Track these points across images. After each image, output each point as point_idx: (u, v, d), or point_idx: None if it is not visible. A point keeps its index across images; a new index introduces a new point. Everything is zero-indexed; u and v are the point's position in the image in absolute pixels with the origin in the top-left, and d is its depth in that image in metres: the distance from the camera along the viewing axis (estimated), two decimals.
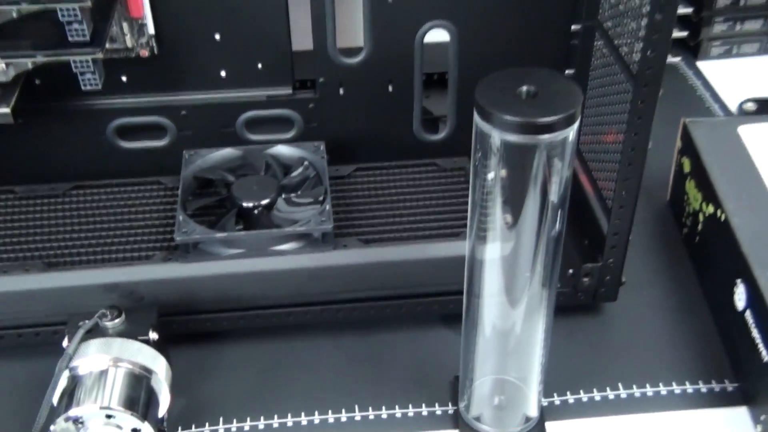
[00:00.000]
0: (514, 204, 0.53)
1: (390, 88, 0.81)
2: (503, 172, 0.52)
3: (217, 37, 0.77)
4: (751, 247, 0.68)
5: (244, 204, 0.75)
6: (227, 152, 0.80)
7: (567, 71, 0.80)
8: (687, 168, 0.80)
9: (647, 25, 0.59)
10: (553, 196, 0.53)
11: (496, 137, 0.50)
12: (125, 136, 0.82)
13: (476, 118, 0.50)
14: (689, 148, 0.79)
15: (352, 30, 0.80)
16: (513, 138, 0.49)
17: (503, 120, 0.49)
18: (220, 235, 0.71)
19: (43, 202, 0.81)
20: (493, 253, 0.57)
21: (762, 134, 0.78)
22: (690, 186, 0.79)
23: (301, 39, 0.79)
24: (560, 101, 0.49)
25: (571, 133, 0.50)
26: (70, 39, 0.64)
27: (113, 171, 0.82)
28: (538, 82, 0.50)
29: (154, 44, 0.76)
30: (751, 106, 0.95)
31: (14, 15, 0.67)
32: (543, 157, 0.50)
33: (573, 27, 0.78)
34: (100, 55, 0.65)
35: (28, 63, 0.67)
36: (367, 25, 0.76)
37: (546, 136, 0.49)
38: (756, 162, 0.76)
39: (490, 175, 0.52)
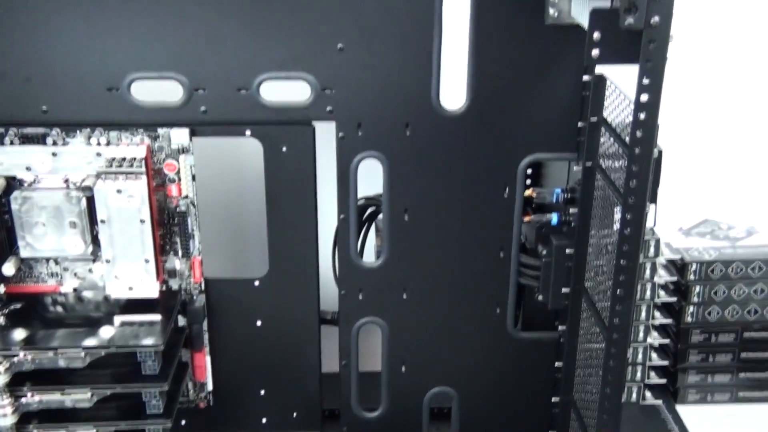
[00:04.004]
0: None
1: None
2: None
3: (262, 392, 0.95)
4: None
5: None
6: None
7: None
8: None
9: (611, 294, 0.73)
10: None
11: None
12: None
13: None
14: None
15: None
16: None
17: None
18: None
19: None
20: None
21: None
22: None
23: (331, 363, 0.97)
24: None
25: None
26: (143, 372, 0.82)
27: None
28: None
29: (211, 398, 0.94)
30: None
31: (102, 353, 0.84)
32: None
33: None
34: (165, 388, 0.82)
35: (107, 392, 0.83)
36: (384, 389, 0.94)
37: None
38: None
39: None
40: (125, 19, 0.79)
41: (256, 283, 0.90)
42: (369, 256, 0.95)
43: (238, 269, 0.99)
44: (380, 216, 0.95)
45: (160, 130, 0.83)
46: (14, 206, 0.82)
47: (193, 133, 0.84)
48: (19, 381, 0.81)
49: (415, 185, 0.86)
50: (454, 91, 0.85)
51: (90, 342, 0.82)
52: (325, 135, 0.86)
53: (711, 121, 1.16)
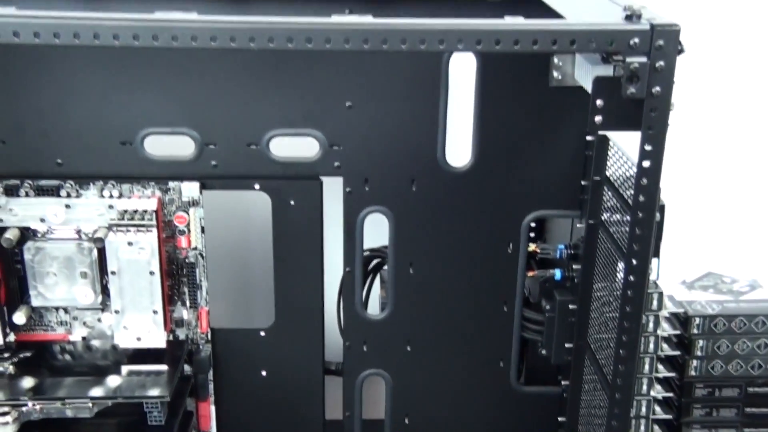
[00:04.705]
0: None
1: None
2: None
3: None
4: None
5: None
6: None
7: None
8: None
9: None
10: None
11: None
12: None
13: None
14: None
15: None
16: None
17: None
18: None
19: None
20: None
21: None
22: None
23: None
24: None
25: None
26: (149, 422, 0.83)
27: None
28: None
29: None
30: None
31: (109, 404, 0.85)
32: None
33: None
34: None
35: None
36: None
37: None
38: None
39: None
40: (140, 77, 0.82)
41: (262, 333, 0.91)
42: (373, 307, 0.96)
43: (244, 319, 1.00)
44: (385, 267, 0.97)
45: (171, 184, 0.85)
46: (27, 256, 0.83)
47: (203, 187, 0.85)
48: (26, 431, 0.82)
49: (421, 239, 0.88)
50: (459, 147, 0.87)
51: (97, 392, 0.83)
52: (332, 188, 0.88)
53: (713, 174, 1.17)
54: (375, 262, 0.98)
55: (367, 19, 0.65)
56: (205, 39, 0.63)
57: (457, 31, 0.64)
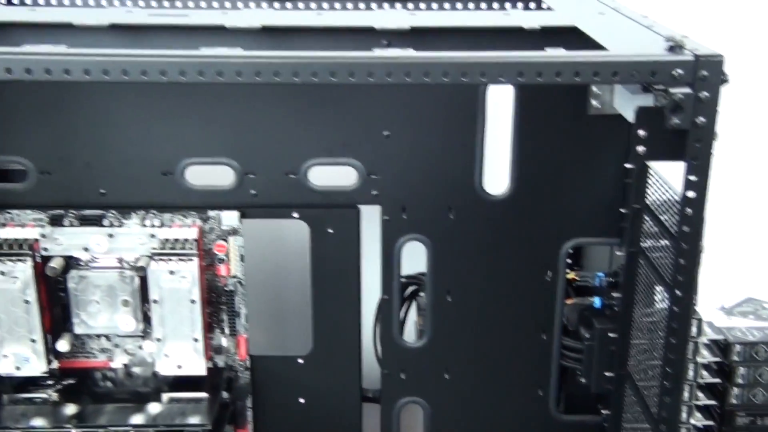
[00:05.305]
0: None
1: None
2: None
3: None
4: None
5: None
6: None
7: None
8: None
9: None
10: None
11: None
12: None
13: None
14: None
15: None
16: None
17: None
18: None
19: None
20: None
21: None
22: None
23: None
24: None
25: None
26: None
27: None
28: None
29: None
30: None
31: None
32: None
33: None
34: None
35: None
36: None
37: None
38: None
39: None
40: (180, 108, 0.83)
41: (300, 360, 0.92)
42: (409, 334, 0.96)
43: (282, 347, 1.00)
44: (421, 294, 0.97)
45: (211, 213, 0.86)
46: (71, 285, 0.85)
47: (243, 216, 0.87)
48: None
49: (459, 267, 0.88)
50: (497, 175, 0.87)
51: (138, 419, 0.84)
52: (368, 215, 0.88)
53: (750, 198, 1.16)
54: (411, 289, 0.98)
55: (408, 53, 0.65)
56: (250, 74, 0.64)
57: (498, 64, 0.64)
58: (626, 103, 0.74)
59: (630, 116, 0.72)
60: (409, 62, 0.64)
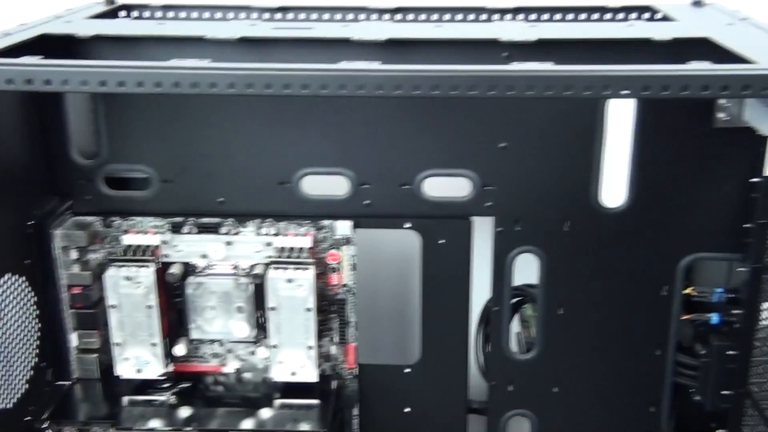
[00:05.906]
0: None
1: None
2: None
3: None
4: None
5: None
6: None
7: None
8: None
9: None
10: None
11: None
12: None
13: None
14: None
15: None
16: None
17: None
18: None
19: None
20: None
21: None
22: None
23: None
24: None
25: None
26: None
27: None
28: None
29: None
30: None
31: None
32: None
33: None
34: None
35: None
36: None
37: None
38: None
39: None
40: (299, 120, 0.84)
41: (407, 370, 0.92)
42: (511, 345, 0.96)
43: (390, 356, 1.01)
44: (525, 306, 0.96)
45: (325, 222, 0.87)
46: (188, 291, 0.87)
47: (356, 225, 0.87)
48: None
49: (572, 280, 0.87)
50: (614, 187, 0.86)
51: (249, 424, 0.85)
52: (480, 226, 0.88)
53: None
54: (515, 300, 0.97)
55: (531, 66, 0.64)
56: (371, 87, 0.63)
57: (623, 77, 0.62)
58: (761, 117, 0.72)
59: (765, 129, 0.70)
60: (531, 75, 0.63)
